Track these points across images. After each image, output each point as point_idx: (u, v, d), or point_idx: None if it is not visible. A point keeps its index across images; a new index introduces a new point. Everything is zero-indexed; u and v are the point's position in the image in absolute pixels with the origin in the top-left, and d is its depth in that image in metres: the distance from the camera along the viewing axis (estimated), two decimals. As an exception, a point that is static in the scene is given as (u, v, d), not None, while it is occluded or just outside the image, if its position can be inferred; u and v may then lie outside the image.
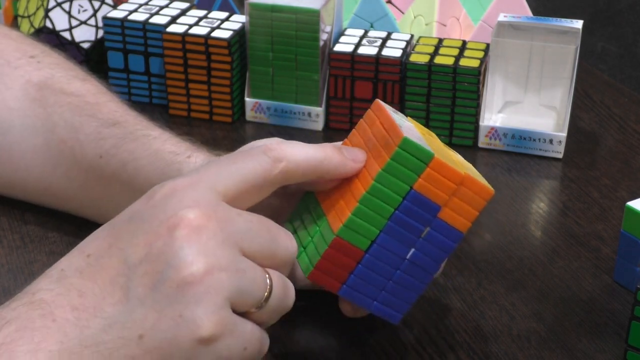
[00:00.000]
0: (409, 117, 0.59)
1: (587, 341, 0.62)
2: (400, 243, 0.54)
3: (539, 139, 0.85)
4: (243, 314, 0.50)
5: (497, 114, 0.89)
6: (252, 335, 0.50)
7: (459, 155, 0.60)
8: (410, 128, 0.55)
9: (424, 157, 0.53)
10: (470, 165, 0.59)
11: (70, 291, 0.48)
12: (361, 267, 0.54)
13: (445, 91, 0.85)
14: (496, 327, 0.63)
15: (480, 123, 0.87)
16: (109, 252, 0.49)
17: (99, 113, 0.69)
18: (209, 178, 0.50)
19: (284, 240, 0.51)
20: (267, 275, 0.50)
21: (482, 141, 0.87)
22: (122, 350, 0.47)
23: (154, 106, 0.92)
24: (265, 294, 0.50)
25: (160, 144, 0.66)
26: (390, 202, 0.53)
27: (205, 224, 0.48)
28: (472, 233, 0.74)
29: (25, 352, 0.46)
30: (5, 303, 0.49)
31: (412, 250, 0.55)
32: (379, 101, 0.57)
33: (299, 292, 0.62)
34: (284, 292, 0.51)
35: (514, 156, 0.86)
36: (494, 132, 0.86)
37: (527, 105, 0.89)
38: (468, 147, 0.87)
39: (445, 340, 0.62)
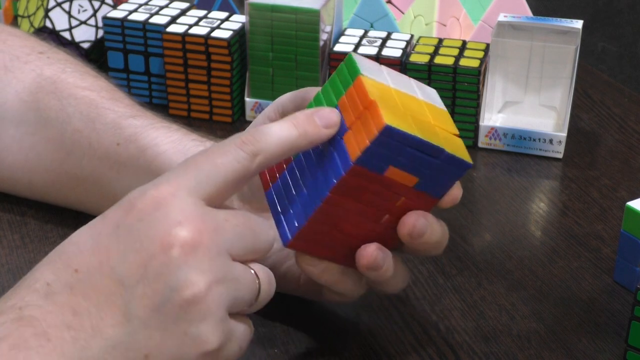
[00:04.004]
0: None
1: (587, 341, 0.62)
2: (311, 155, 0.55)
3: (539, 139, 0.85)
4: (235, 314, 0.51)
5: (497, 114, 0.89)
6: (244, 334, 0.51)
7: (458, 140, 0.57)
8: (404, 82, 0.56)
9: (353, 73, 0.54)
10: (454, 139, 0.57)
11: (63, 309, 0.48)
12: (284, 174, 0.56)
13: (445, 91, 0.85)
14: (496, 327, 0.63)
15: (480, 123, 0.87)
16: (100, 271, 0.48)
17: (115, 107, 0.70)
18: (190, 183, 0.50)
19: (264, 234, 0.52)
20: (254, 274, 0.51)
21: (482, 141, 0.87)
22: None
23: (154, 106, 0.92)
24: (256, 293, 0.51)
25: (182, 134, 0.67)
26: None
27: (199, 240, 0.48)
28: (472, 233, 0.74)
29: None
30: None
31: (315, 160, 0.55)
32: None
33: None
34: (269, 284, 0.52)
35: (514, 156, 0.86)
36: (494, 132, 0.86)
37: (527, 105, 0.89)
38: (468, 147, 0.87)
39: (445, 340, 0.62)
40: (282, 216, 0.55)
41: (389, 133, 0.52)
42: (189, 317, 0.47)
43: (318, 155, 0.54)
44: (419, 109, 0.55)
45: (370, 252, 0.55)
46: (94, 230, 0.50)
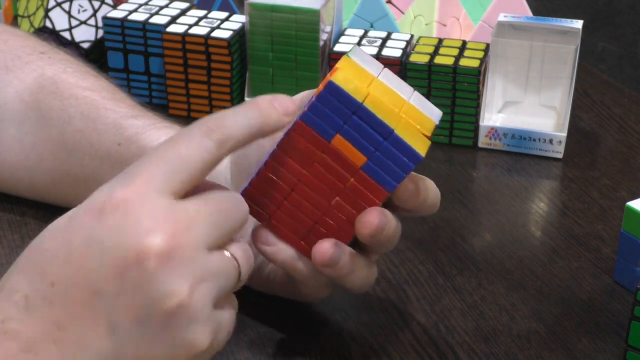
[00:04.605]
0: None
1: (587, 341, 0.62)
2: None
3: (539, 139, 0.85)
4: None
5: (497, 114, 0.89)
6: (230, 319, 0.51)
7: (424, 114, 0.56)
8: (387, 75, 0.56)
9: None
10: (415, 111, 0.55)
11: (45, 323, 0.47)
12: None
13: (445, 91, 0.85)
14: (496, 327, 0.63)
15: (480, 123, 0.87)
16: (76, 283, 0.47)
17: (117, 107, 0.70)
18: (158, 180, 0.48)
19: (237, 211, 0.51)
20: (233, 259, 0.50)
21: (482, 141, 0.87)
22: None
23: (154, 106, 0.92)
24: (237, 277, 0.50)
25: None
26: None
27: (174, 245, 0.47)
28: (472, 233, 0.74)
29: None
30: None
31: None
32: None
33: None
34: (247, 262, 0.51)
35: (514, 156, 0.86)
36: (494, 132, 0.86)
37: (527, 105, 0.89)
38: (468, 147, 0.87)
39: (445, 340, 0.62)
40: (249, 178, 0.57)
41: (332, 90, 0.53)
42: (176, 324, 0.47)
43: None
44: (393, 100, 0.55)
45: (326, 249, 0.55)
46: (64, 237, 0.48)
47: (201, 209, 0.49)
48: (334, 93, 0.53)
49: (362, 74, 0.54)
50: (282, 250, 0.57)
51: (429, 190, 0.57)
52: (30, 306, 0.47)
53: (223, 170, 0.63)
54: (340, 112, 0.53)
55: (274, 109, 0.53)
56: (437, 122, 0.56)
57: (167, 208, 0.48)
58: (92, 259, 0.47)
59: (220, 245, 0.50)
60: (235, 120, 0.51)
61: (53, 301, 0.47)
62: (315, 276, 0.58)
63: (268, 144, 0.58)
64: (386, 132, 0.53)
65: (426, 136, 0.54)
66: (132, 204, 0.47)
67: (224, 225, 0.50)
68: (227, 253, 0.50)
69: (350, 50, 0.55)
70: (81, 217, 0.48)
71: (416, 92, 0.57)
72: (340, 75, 0.53)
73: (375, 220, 0.54)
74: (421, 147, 0.54)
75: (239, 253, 0.51)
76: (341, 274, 0.56)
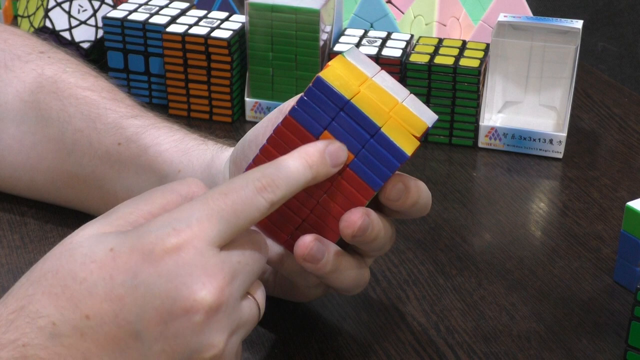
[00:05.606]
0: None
1: (587, 341, 0.62)
2: None
3: (539, 139, 0.85)
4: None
5: (497, 114, 0.89)
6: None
7: (415, 111, 0.55)
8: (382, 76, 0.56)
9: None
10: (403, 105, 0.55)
11: (72, 352, 0.46)
12: None
13: (445, 91, 0.85)
14: (496, 327, 0.63)
15: (480, 123, 0.87)
16: (115, 321, 0.46)
17: (116, 107, 0.70)
18: (211, 233, 0.48)
19: (265, 255, 0.52)
20: (256, 303, 0.51)
21: (482, 141, 0.87)
22: None
23: (154, 106, 0.92)
24: (258, 319, 0.52)
25: (183, 133, 0.68)
26: None
27: (220, 301, 0.47)
28: (472, 233, 0.74)
29: None
30: None
31: None
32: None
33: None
34: (263, 300, 0.52)
35: (514, 156, 0.86)
36: (494, 132, 0.86)
37: (527, 105, 0.89)
38: (468, 147, 0.87)
39: (445, 340, 0.62)
40: None
41: (320, 85, 0.53)
42: None
43: None
44: (384, 100, 0.54)
45: (306, 243, 0.54)
46: (104, 271, 0.47)
47: (241, 259, 0.50)
48: (322, 88, 0.53)
49: (355, 73, 0.54)
50: (269, 247, 0.56)
51: (420, 191, 0.56)
52: (57, 334, 0.46)
53: (222, 170, 0.63)
54: (328, 108, 0.53)
55: (325, 164, 0.52)
56: (430, 125, 0.55)
57: (216, 261, 0.48)
58: (136, 301, 0.47)
59: (249, 291, 0.51)
60: (287, 180, 0.51)
61: (85, 334, 0.46)
62: (303, 274, 0.58)
63: None
64: (372, 129, 0.53)
65: (416, 137, 0.54)
66: (184, 253, 0.47)
67: (257, 273, 0.51)
68: (252, 298, 0.51)
69: (346, 51, 0.56)
70: (127, 254, 0.47)
71: (412, 95, 0.56)
72: (330, 72, 0.53)
73: (358, 220, 0.54)
74: (408, 147, 0.54)
75: (260, 297, 0.52)
76: (325, 272, 0.55)
